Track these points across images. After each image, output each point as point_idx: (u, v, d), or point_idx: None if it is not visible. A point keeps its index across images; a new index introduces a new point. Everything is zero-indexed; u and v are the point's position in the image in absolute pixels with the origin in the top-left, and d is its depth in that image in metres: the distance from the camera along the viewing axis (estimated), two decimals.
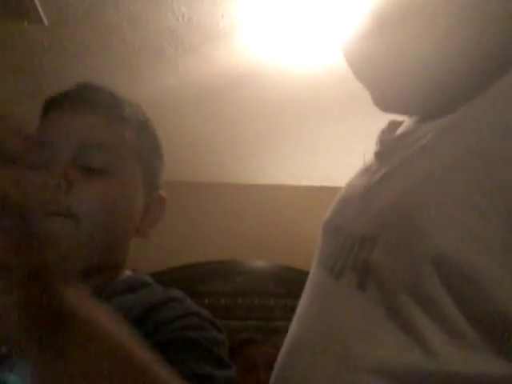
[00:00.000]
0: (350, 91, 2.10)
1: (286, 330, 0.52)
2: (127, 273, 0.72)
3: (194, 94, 2.14)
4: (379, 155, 0.53)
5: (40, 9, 1.62)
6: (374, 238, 0.42)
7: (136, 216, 0.70)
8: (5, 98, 2.13)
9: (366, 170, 0.54)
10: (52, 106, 0.69)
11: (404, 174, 0.44)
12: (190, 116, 2.36)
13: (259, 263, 2.96)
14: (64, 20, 1.69)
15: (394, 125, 0.59)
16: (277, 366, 0.50)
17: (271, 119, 2.39)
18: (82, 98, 0.68)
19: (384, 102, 0.52)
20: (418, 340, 0.37)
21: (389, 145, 0.53)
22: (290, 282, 2.87)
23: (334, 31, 1.71)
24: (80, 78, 2.28)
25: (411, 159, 0.45)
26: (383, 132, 0.58)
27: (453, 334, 0.36)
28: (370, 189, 0.49)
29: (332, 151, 2.74)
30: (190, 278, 2.86)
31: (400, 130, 0.56)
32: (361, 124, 2.37)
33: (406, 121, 0.57)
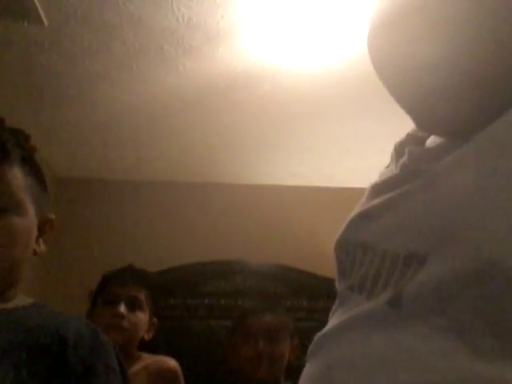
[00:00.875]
0: (350, 92, 2.10)
1: None
2: (21, 297, 0.83)
3: (193, 94, 2.14)
4: (407, 167, 0.50)
5: (40, 9, 1.62)
6: (421, 255, 0.40)
7: (32, 242, 0.81)
8: (5, 98, 2.14)
9: (390, 182, 0.51)
10: None
11: (446, 189, 0.42)
12: (190, 116, 2.36)
13: (259, 263, 2.96)
14: (64, 20, 1.69)
15: (411, 137, 0.56)
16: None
17: (271, 119, 2.39)
18: None
19: (431, 126, 0.49)
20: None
21: (418, 157, 0.49)
22: (290, 281, 2.87)
23: (333, 32, 1.71)
24: (80, 78, 2.27)
25: (452, 174, 0.43)
26: (403, 144, 0.55)
27: None
28: (403, 203, 0.47)
29: (332, 151, 2.74)
30: (190, 278, 2.86)
31: (428, 144, 0.53)
32: (360, 124, 2.37)
33: (431, 136, 0.55)
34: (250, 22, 1.69)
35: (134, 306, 1.57)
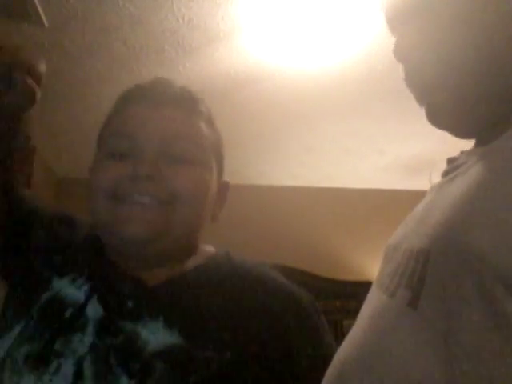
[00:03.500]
0: (350, 92, 2.11)
1: None
2: (205, 250, 0.76)
3: None
4: (445, 173, 0.54)
5: (40, 10, 1.62)
6: (425, 250, 0.43)
7: (213, 202, 0.73)
8: None
9: (431, 189, 0.56)
10: (132, 100, 0.73)
11: (460, 192, 0.45)
12: None
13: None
14: (64, 22, 1.70)
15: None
16: None
17: (271, 120, 2.39)
18: (162, 94, 0.72)
19: (436, 119, 0.53)
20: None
21: (454, 162, 0.54)
22: (290, 282, 2.87)
23: (333, 32, 1.72)
24: (80, 79, 2.27)
25: (467, 178, 0.46)
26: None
27: None
28: (429, 206, 0.50)
29: (332, 151, 2.74)
30: None
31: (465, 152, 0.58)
32: (360, 125, 2.37)
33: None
34: (250, 23, 1.69)
35: None
